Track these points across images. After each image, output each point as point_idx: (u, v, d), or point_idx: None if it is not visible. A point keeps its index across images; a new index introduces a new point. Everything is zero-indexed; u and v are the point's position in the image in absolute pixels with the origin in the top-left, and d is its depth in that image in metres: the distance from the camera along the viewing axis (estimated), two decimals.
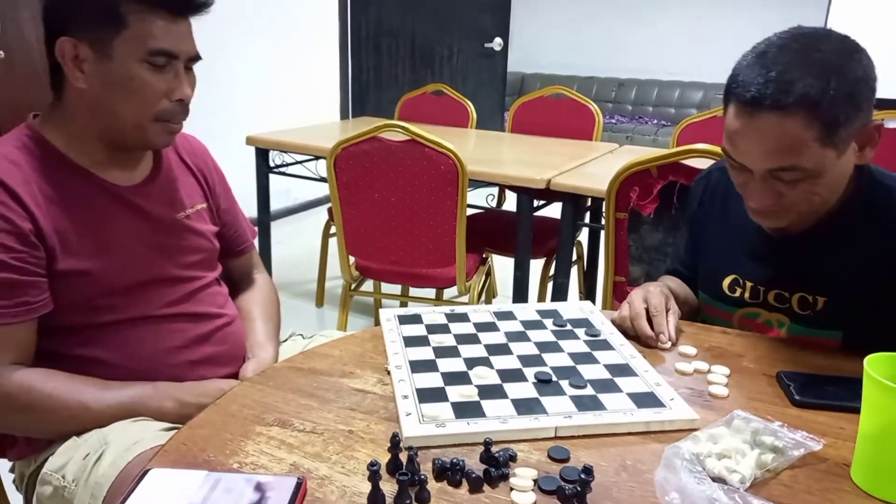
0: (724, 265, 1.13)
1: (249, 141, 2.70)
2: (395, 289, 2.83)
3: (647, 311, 1.03)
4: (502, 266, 2.91)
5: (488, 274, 2.54)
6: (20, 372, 0.93)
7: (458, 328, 1.02)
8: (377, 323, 1.06)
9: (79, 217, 0.98)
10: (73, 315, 0.98)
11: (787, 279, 1.05)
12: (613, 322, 1.05)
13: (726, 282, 1.12)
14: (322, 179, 2.60)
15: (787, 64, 0.87)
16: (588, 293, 2.79)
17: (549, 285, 2.58)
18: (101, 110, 0.98)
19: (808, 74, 0.85)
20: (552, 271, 2.50)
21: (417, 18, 4.63)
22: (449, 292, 2.84)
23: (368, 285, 2.63)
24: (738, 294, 1.11)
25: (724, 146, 0.95)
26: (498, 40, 4.68)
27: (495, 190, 3.16)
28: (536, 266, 2.45)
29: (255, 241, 1.35)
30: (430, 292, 2.88)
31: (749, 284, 1.09)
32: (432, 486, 0.68)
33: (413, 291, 2.88)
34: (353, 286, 2.40)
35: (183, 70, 1.00)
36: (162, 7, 0.95)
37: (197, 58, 1.02)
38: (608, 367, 0.91)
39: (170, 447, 0.74)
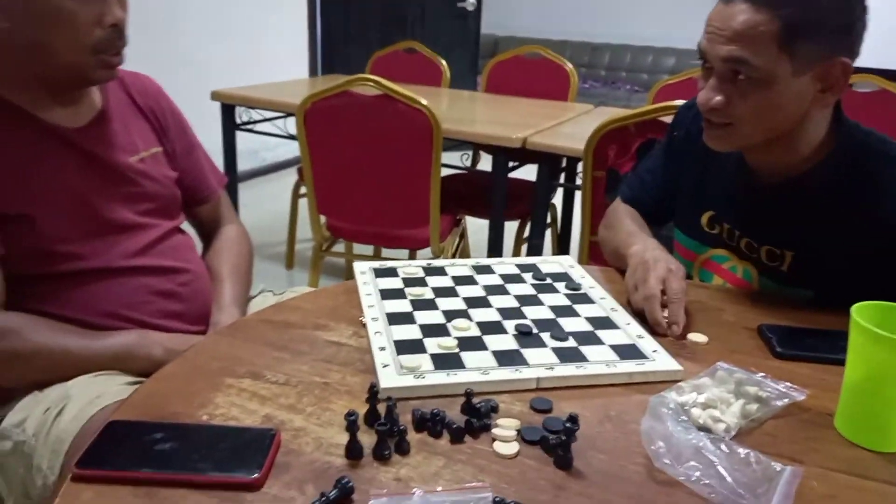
0: (702, 201, 1.11)
1: (215, 96, 2.60)
2: (367, 250, 2.79)
3: (663, 292, 0.93)
4: (475, 229, 2.88)
5: (462, 236, 2.52)
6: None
7: (435, 281, 0.99)
8: None
9: (20, 159, 0.92)
10: (28, 264, 0.93)
11: (758, 229, 1.04)
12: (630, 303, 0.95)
13: (705, 218, 1.11)
14: (291, 137, 2.53)
15: None
16: (562, 255, 2.79)
17: (523, 247, 2.56)
18: (31, 49, 0.91)
19: None
20: (526, 233, 2.48)
21: None
22: (422, 254, 2.80)
23: (339, 247, 2.59)
24: (716, 231, 1.10)
25: (700, 41, 0.95)
26: (471, 0, 4.58)
27: (469, 152, 3.11)
28: (510, 228, 2.43)
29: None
30: (402, 254, 2.84)
31: (726, 226, 1.08)
32: (412, 437, 0.66)
33: (385, 252, 2.84)
34: (324, 247, 2.35)
35: None
36: None
37: None
38: (589, 319, 0.89)
39: (134, 400, 0.71)
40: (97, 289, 0.98)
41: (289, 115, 2.63)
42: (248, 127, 2.80)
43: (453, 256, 2.53)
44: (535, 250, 2.24)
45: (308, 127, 2.05)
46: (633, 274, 0.98)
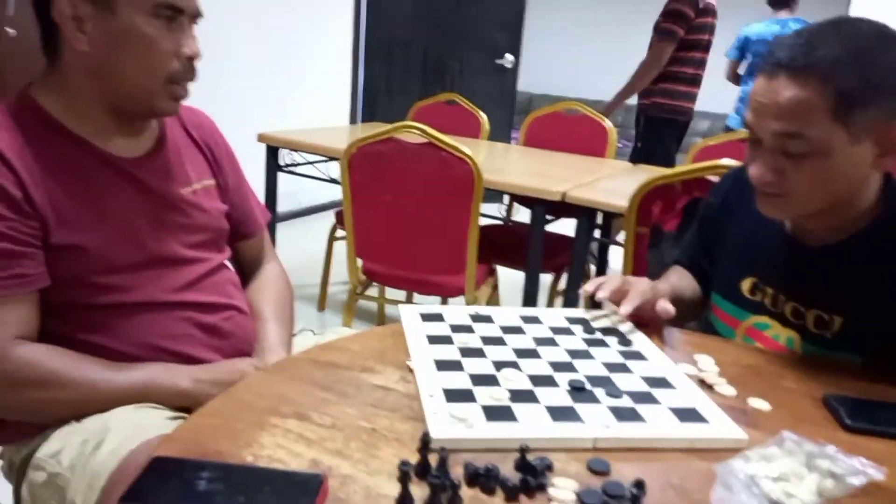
0: (743, 266, 1.09)
1: (262, 138, 2.64)
2: (399, 295, 2.77)
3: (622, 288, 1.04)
4: (506, 280, 2.86)
5: (495, 287, 2.49)
6: (25, 347, 0.87)
7: (483, 329, 0.96)
8: None
9: (75, 188, 0.92)
10: (72, 294, 0.92)
11: (805, 292, 1.01)
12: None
13: (746, 284, 1.08)
14: (333, 181, 2.55)
15: (818, 34, 0.86)
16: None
17: (557, 301, 2.53)
18: (106, 74, 0.92)
19: (834, 44, 0.85)
20: (560, 286, 2.45)
21: (431, 31, 4.62)
22: (453, 302, 2.78)
23: (372, 292, 2.57)
24: (758, 298, 1.07)
25: (745, 114, 0.93)
26: (509, 57, 4.67)
27: (500, 204, 3.12)
28: (543, 281, 2.40)
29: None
30: (434, 300, 2.82)
31: (770, 290, 1.05)
32: (463, 492, 0.62)
33: (416, 298, 2.82)
34: (358, 290, 2.34)
35: (189, 25, 0.95)
36: None
37: (199, 14, 0.97)
38: (645, 378, 0.86)
39: (178, 436, 0.69)
40: (141, 322, 0.97)
41: (331, 159, 2.66)
42: (290, 169, 2.84)
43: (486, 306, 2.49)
44: (571, 304, 2.20)
45: (352, 171, 2.06)
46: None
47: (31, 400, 0.89)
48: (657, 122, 3.42)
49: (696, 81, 3.43)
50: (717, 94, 6.20)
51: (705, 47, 3.36)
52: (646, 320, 1.03)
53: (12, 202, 0.86)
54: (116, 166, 0.97)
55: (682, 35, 3.23)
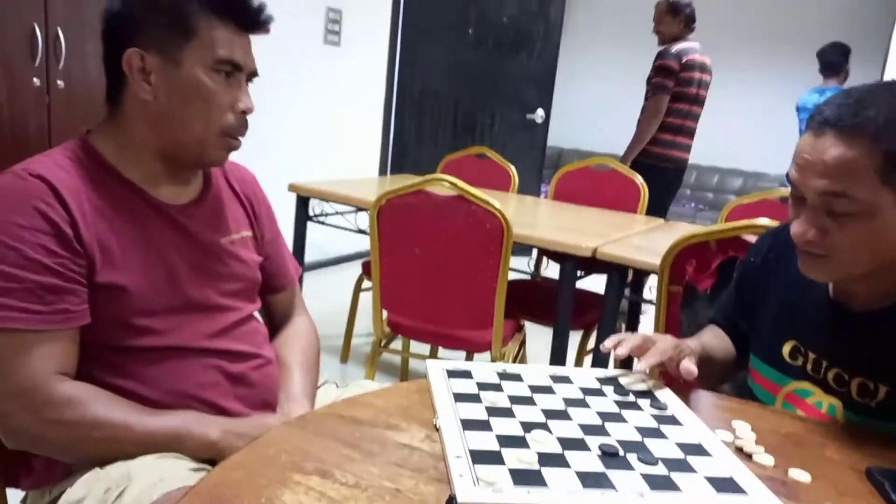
0: (784, 329, 1.06)
1: (292, 188, 2.69)
2: (424, 349, 2.75)
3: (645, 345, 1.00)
4: (533, 337, 2.83)
5: (522, 343, 2.46)
6: (65, 383, 0.88)
7: (511, 388, 0.94)
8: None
9: (123, 230, 0.95)
10: (108, 334, 0.94)
11: (849, 358, 0.98)
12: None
13: (786, 348, 1.05)
14: (361, 231, 2.58)
15: (868, 94, 0.85)
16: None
17: (586, 359, 2.49)
18: (164, 123, 0.96)
19: (884, 105, 0.83)
20: (590, 344, 2.41)
21: (462, 85, 4.71)
22: (478, 358, 2.75)
23: (396, 345, 2.56)
24: (799, 363, 1.03)
25: (789, 171, 0.92)
26: (540, 112, 4.73)
27: (529, 258, 3.11)
28: (572, 339, 2.36)
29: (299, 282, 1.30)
30: (459, 355, 2.79)
31: (812, 356, 1.02)
32: None
33: (441, 353, 2.79)
34: (382, 343, 2.32)
35: (245, 83, 1.00)
36: (232, 20, 0.96)
37: (256, 74, 1.02)
38: (680, 445, 0.82)
39: (201, 489, 0.67)
40: (171, 367, 0.97)
41: (359, 209, 2.69)
42: (320, 220, 2.87)
43: (514, 362, 2.46)
44: (601, 363, 2.16)
45: (381, 222, 2.08)
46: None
47: (66, 436, 0.89)
48: (641, 168, 3.47)
49: (682, 131, 3.61)
50: (749, 153, 6.21)
51: (692, 100, 3.56)
52: (672, 380, 1.00)
53: (64, 239, 0.89)
54: (163, 212, 1.00)
55: (672, 87, 3.48)
